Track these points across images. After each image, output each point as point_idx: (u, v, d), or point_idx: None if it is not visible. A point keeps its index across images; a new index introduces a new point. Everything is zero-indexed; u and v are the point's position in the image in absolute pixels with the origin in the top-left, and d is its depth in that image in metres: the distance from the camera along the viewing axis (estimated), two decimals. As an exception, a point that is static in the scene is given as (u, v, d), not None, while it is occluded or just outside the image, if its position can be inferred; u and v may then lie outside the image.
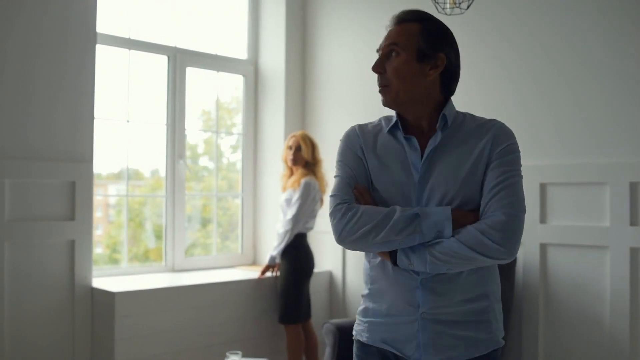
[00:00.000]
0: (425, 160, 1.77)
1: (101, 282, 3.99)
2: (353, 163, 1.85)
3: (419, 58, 1.75)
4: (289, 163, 4.38)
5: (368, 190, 1.82)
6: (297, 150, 4.34)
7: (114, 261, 4.48)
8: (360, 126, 1.92)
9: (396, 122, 1.84)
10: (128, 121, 4.43)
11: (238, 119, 5.25)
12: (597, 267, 3.42)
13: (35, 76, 3.70)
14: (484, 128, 1.76)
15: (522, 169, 1.77)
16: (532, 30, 3.70)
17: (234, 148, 5.25)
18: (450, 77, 1.80)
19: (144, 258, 4.61)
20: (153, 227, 4.73)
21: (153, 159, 4.67)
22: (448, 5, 2.65)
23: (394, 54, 1.78)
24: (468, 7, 2.63)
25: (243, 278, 4.37)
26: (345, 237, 1.76)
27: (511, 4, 3.77)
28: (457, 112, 1.83)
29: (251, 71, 5.14)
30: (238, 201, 5.20)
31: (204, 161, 5.12)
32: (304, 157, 4.34)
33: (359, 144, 1.87)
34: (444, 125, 1.78)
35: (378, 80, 1.81)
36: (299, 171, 4.35)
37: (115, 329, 3.68)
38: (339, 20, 4.88)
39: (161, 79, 4.65)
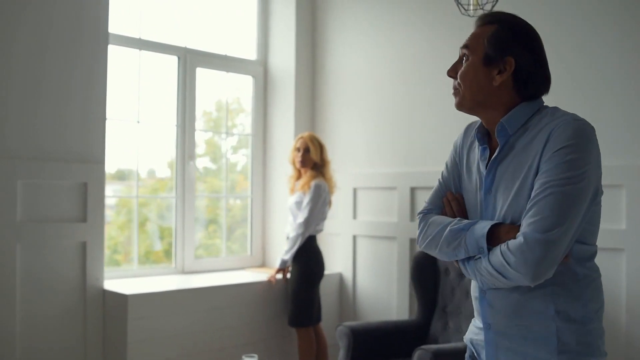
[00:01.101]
0: (488, 172, 1.74)
1: (112, 284, 3.97)
2: (450, 168, 1.90)
3: (485, 62, 1.72)
4: (297, 165, 4.36)
5: (457, 198, 1.84)
6: (306, 152, 4.31)
7: (115, 262, 4.43)
8: (469, 125, 1.91)
9: (477, 128, 1.83)
10: (138, 122, 4.40)
11: (239, 119, 5.23)
12: (613, 269, 3.41)
13: (46, 76, 3.67)
14: (545, 129, 1.63)
15: None
16: (548, 34, 3.67)
17: (235, 149, 5.22)
18: (523, 81, 1.71)
19: (144, 259, 4.57)
20: (156, 228, 4.70)
21: (151, 159, 4.63)
22: (471, 7, 2.64)
23: (464, 57, 1.77)
24: (492, 9, 2.62)
25: (254, 280, 4.35)
26: (420, 245, 1.84)
27: (531, 8, 3.76)
28: (542, 108, 1.73)
29: (260, 72, 5.12)
30: (239, 202, 5.17)
31: (205, 162, 5.07)
32: (312, 159, 4.32)
33: (459, 146, 1.91)
34: (505, 133, 1.72)
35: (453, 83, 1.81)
36: (307, 173, 4.32)
37: (128, 332, 3.65)
38: (349, 21, 4.87)
39: (171, 80, 4.63)
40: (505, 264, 1.57)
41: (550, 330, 1.64)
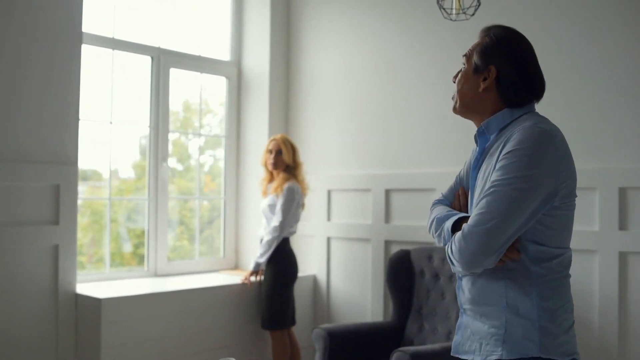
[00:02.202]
0: (473, 170, 1.89)
1: (84, 287, 3.89)
2: (466, 167, 2.03)
3: (474, 71, 1.88)
4: (270, 167, 4.33)
5: (465, 193, 1.98)
6: (278, 154, 4.29)
7: (80, 265, 4.31)
8: None
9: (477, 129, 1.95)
10: (111, 122, 4.33)
11: (206, 120, 5.19)
12: (586, 271, 3.47)
13: (18, 76, 3.59)
14: (512, 133, 1.76)
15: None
16: (530, 38, 3.72)
17: (203, 150, 5.17)
18: (505, 88, 1.84)
19: (110, 261, 4.46)
20: (125, 230, 4.63)
21: (116, 160, 4.54)
22: (454, 12, 2.65)
23: (463, 65, 1.94)
24: (474, 13, 2.64)
25: (228, 283, 4.32)
26: (428, 232, 1.98)
27: (514, 12, 3.80)
28: (525, 114, 1.83)
29: (234, 73, 5.09)
30: (206, 203, 5.13)
31: (171, 163, 5.00)
32: (284, 161, 4.30)
33: (474, 148, 2.02)
34: (485, 136, 1.87)
35: None
36: (280, 175, 4.30)
37: (101, 336, 3.59)
38: (325, 22, 4.87)
39: (144, 80, 4.57)
40: (450, 252, 1.75)
41: (501, 321, 1.76)
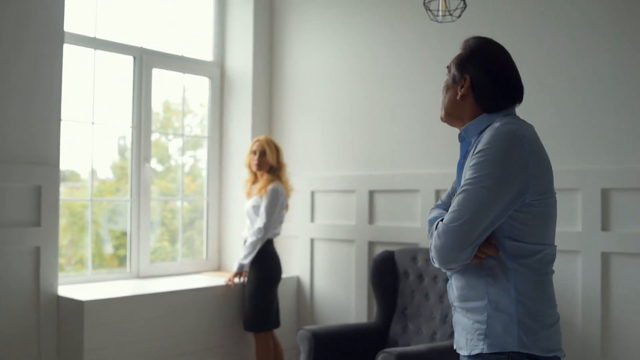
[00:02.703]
0: (458, 173, 1.99)
1: (66, 290, 3.85)
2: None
3: (453, 80, 2.00)
4: (254, 168, 4.32)
5: None
6: (262, 154, 4.28)
7: (59, 267, 4.27)
8: None
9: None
10: (93, 123, 4.29)
11: (186, 120, 5.16)
12: (568, 271, 3.50)
13: (-1, 75, 3.54)
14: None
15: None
16: (515, 40, 3.75)
17: (183, 150, 5.14)
18: (480, 95, 1.93)
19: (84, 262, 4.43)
20: (107, 231, 4.58)
21: (94, 161, 4.47)
22: (440, 13, 2.66)
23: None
24: (460, 15, 2.65)
25: (212, 284, 4.30)
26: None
27: (499, 15, 3.82)
28: (500, 118, 1.89)
29: (217, 73, 5.06)
30: (186, 204, 5.10)
31: (152, 163, 4.94)
32: (268, 162, 4.29)
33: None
34: (465, 141, 1.97)
35: None
36: (264, 177, 4.29)
37: (84, 339, 3.54)
38: (308, 23, 4.86)
39: (126, 80, 4.52)
40: (430, 249, 1.84)
41: (483, 317, 1.82)
